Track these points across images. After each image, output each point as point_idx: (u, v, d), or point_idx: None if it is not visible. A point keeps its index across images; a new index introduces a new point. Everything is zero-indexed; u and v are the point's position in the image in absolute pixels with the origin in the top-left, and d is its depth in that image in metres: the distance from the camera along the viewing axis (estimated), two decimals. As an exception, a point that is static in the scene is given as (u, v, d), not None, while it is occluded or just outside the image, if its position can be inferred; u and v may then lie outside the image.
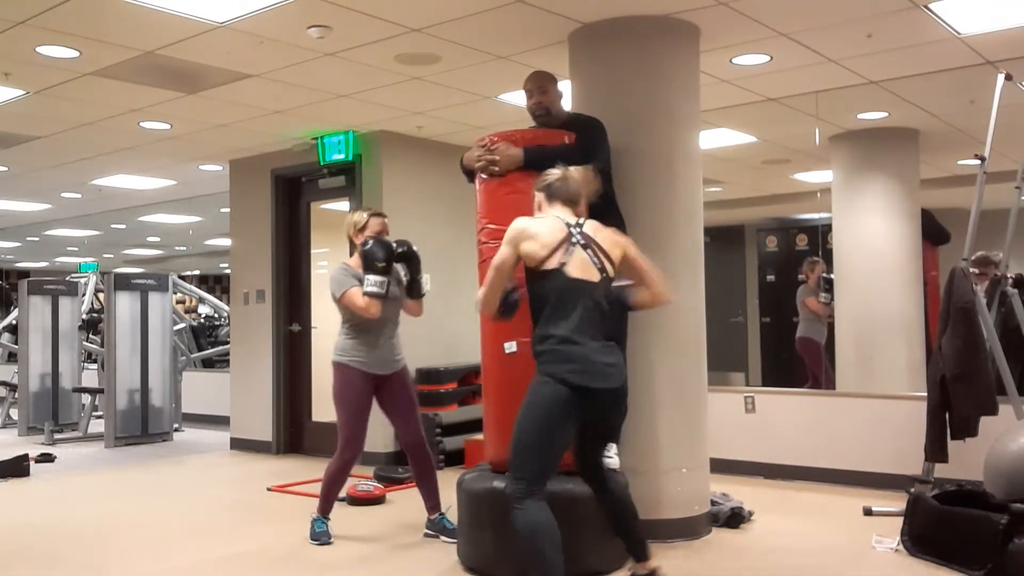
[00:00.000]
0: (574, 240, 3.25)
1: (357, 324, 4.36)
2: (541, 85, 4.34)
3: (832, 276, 7.21)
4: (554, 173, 3.42)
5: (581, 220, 3.35)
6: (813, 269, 7.46)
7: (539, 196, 3.44)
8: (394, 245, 4.36)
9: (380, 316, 4.30)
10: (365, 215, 4.49)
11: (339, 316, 4.47)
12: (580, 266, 3.23)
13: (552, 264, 3.20)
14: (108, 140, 7.03)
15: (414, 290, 4.48)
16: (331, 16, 4.36)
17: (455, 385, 6.77)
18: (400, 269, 4.47)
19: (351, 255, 4.56)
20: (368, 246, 4.29)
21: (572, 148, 4.06)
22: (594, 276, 3.24)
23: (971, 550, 3.69)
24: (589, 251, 3.26)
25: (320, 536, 4.43)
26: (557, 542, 3.07)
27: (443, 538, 4.41)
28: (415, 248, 4.45)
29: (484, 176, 4.05)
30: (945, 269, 4.82)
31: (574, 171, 3.42)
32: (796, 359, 7.63)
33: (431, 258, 4.73)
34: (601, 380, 3.16)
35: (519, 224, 3.30)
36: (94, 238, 13.69)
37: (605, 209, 4.20)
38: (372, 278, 4.22)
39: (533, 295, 3.29)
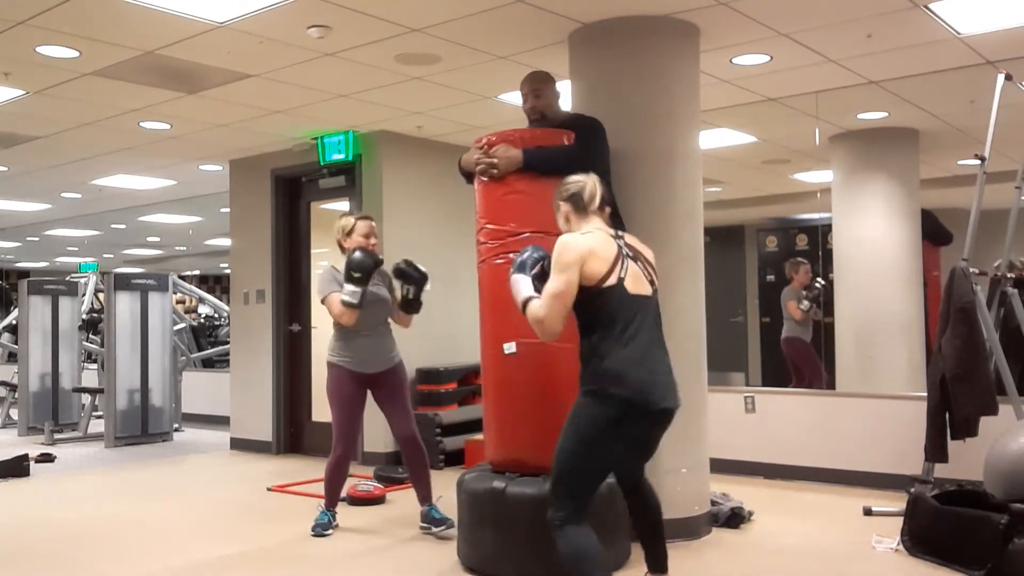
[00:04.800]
0: (625, 253, 3.11)
1: (345, 325, 4.46)
2: (535, 89, 4.31)
3: (822, 282, 7.19)
4: (577, 181, 3.23)
5: (620, 233, 3.22)
6: (797, 270, 7.46)
7: (565, 207, 3.22)
8: (373, 241, 4.49)
9: (367, 319, 4.45)
10: (352, 219, 4.60)
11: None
12: (635, 280, 3.09)
13: (612, 280, 3.00)
14: (108, 140, 7.03)
15: (412, 307, 4.55)
16: (331, 16, 4.36)
17: (455, 385, 6.77)
18: (398, 285, 4.56)
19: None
20: (352, 255, 4.38)
21: (572, 149, 4.06)
22: (646, 290, 3.12)
23: (971, 550, 3.69)
24: (639, 263, 3.15)
25: (319, 528, 4.57)
26: (602, 563, 3.01)
27: (435, 529, 4.51)
28: (421, 268, 4.50)
29: (484, 179, 4.04)
30: (946, 269, 4.81)
31: (594, 178, 3.25)
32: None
33: (430, 258, 4.77)
34: (661, 399, 3.02)
35: (574, 243, 3.03)
36: (94, 238, 13.70)
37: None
38: (348, 287, 4.32)
39: (587, 313, 3.05)
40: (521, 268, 3.20)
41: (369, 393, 4.61)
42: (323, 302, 4.48)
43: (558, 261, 3.02)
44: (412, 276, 4.49)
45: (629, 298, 3.04)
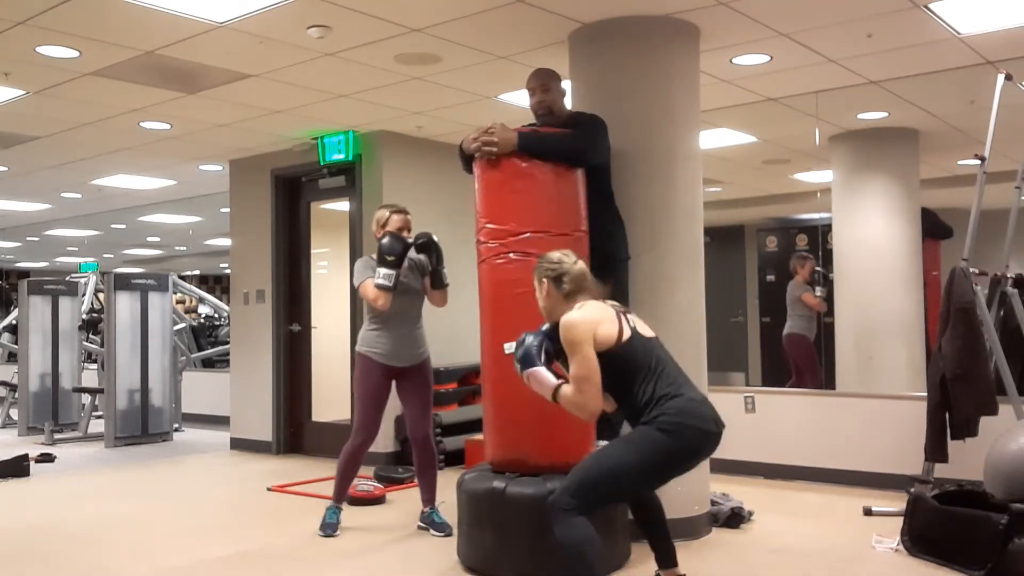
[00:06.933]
0: (619, 310, 3.20)
1: (378, 316, 4.54)
2: (543, 83, 4.32)
3: (823, 272, 7.23)
4: (563, 261, 3.22)
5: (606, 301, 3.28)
6: (803, 265, 7.48)
7: (547, 284, 3.22)
8: (409, 239, 4.48)
9: (398, 310, 4.48)
10: (387, 212, 4.62)
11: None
12: (642, 327, 3.19)
13: (627, 335, 3.09)
14: (108, 140, 7.03)
15: (436, 280, 4.58)
16: (331, 16, 4.36)
17: (455, 385, 6.77)
18: (424, 260, 4.58)
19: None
20: (382, 241, 4.42)
21: (568, 135, 4.05)
22: (652, 333, 3.23)
23: (971, 550, 3.69)
24: (633, 315, 3.25)
25: (327, 528, 4.57)
26: (599, 551, 3.04)
27: (432, 531, 4.57)
28: (436, 239, 4.53)
29: (481, 157, 4.01)
30: (946, 268, 4.81)
31: (580, 264, 3.25)
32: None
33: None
34: (718, 423, 3.10)
35: (579, 319, 3.05)
36: (94, 238, 13.70)
37: (603, 209, 4.22)
38: (381, 271, 4.36)
39: (620, 371, 3.08)
40: (530, 360, 3.13)
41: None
42: (359, 289, 4.53)
43: (571, 342, 3.03)
44: (427, 245, 4.50)
45: (648, 342, 3.15)
